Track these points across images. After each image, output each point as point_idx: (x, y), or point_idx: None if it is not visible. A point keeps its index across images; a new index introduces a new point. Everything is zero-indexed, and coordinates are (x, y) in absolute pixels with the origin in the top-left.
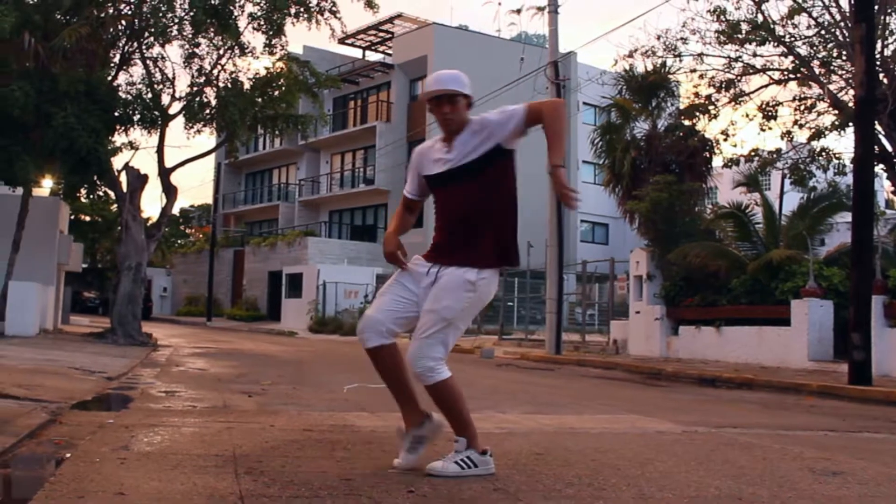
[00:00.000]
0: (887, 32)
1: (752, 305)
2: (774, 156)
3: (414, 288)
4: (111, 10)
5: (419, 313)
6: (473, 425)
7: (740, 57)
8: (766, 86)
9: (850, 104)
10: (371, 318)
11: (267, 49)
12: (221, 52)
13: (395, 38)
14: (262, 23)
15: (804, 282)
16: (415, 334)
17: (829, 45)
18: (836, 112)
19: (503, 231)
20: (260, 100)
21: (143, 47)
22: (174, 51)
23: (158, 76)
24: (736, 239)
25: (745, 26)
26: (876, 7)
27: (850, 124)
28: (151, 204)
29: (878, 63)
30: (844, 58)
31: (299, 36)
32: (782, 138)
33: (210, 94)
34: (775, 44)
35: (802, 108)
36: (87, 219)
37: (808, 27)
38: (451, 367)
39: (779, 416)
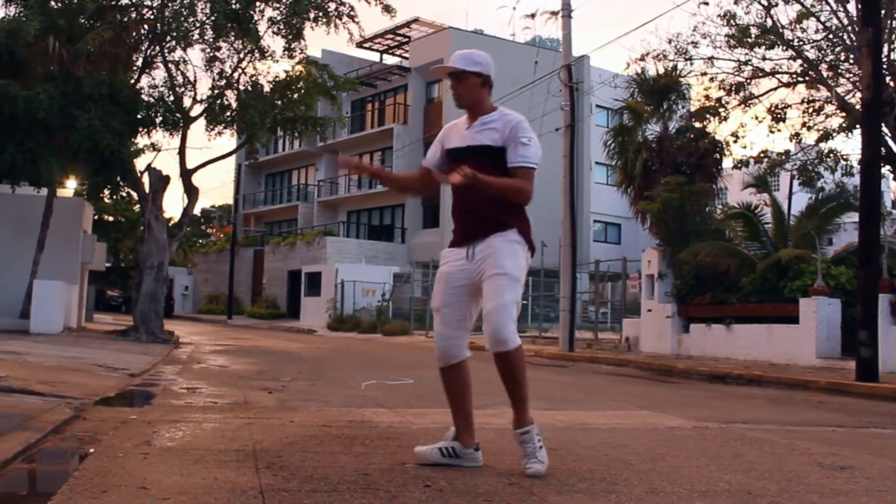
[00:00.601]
0: (894, 36)
1: (762, 304)
2: (783, 157)
3: (462, 280)
4: (134, 15)
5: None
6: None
7: (750, 60)
8: (775, 89)
9: (858, 107)
10: (447, 336)
11: (286, 53)
12: (242, 55)
13: (412, 41)
14: (281, 27)
15: (812, 280)
16: (487, 302)
17: (837, 49)
18: (844, 114)
19: (512, 213)
20: (279, 102)
21: (166, 51)
22: (195, 54)
23: (180, 79)
24: (746, 239)
25: (754, 30)
26: (883, 11)
27: (858, 126)
28: (173, 204)
29: (884, 66)
30: (852, 61)
31: (318, 40)
32: (791, 140)
33: (231, 96)
34: (784, 47)
35: (811, 110)
36: (111, 219)
37: (816, 31)
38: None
39: (788, 412)
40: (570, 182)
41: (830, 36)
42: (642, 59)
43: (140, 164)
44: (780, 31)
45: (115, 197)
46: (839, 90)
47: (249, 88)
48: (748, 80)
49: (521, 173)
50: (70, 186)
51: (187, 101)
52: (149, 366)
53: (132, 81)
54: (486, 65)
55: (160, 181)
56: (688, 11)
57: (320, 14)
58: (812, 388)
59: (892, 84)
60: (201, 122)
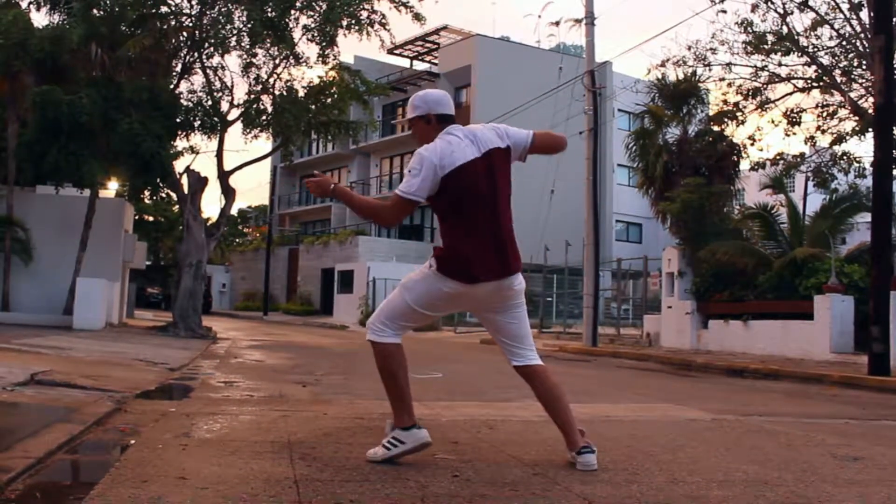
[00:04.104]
0: None
1: (778, 300)
2: (798, 159)
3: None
4: (173, 23)
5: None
6: (405, 402)
7: (766, 66)
8: (791, 93)
9: (870, 111)
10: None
11: (320, 59)
12: (277, 61)
13: (441, 48)
14: (315, 34)
15: (826, 278)
16: None
17: (850, 55)
18: (857, 118)
19: (442, 238)
20: (313, 107)
21: (204, 57)
22: (233, 60)
23: (218, 84)
24: (762, 238)
25: (770, 37)
26: (895, 19)
27: (870, 130)
28: (211, 205)
29: None
30: (864, 67)
31: (350, 46)
32: (806, 143)
33: (266, 101)
34: (799, 54)
35: (825, 114)
36: (151, 219)
37: (830, 38)
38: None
39: (802, 404)
40: (593, 183)
41: (844, 43)
42: (663, 65)
43: (179, 166)
44: (796, 38)
45: (155, 198)
46: (852, 95)
47: (285, 93)
48: (765, 86)
49: (391, 198)
50: (112, 188)
51: (225, 106)
52: (187, 360)
53: (171, 86)
54: (423, 105)
55: (198, 183)
56: (707, 19)
57: (353, 22)
58: (826, 381)
59: None
60: (238, 125)
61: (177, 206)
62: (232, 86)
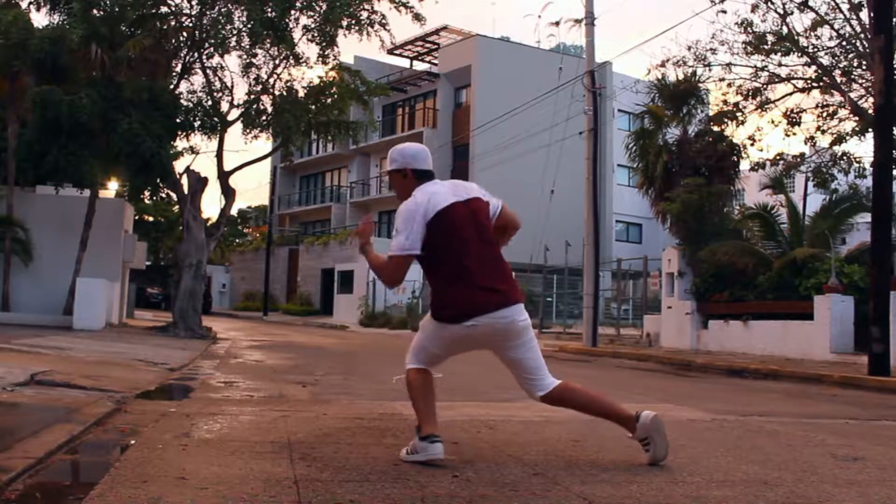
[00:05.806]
0: None
1: (778, 301)
2: (798, 160)
3: None
4: (173, 23)
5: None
6: (427, 417)
7: (766, 66)
8: (791, 94)
9: (870, 111)
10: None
11: (320, 59)
12: (277, 61)
13: (441, 48)
14: (315, 34)
15: (826, 278)
16: None
17: (850, 56)
18: (857, 118)
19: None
20: (313, 107)
21: (204, 57)
22: (233, 60)
23: (218, 84)
24: (762, 238)
25: (770, 38)
26: (895, 19)
27: (870, 130)
28: (211, 205)
29: None
30: (864, 67)
31: (350, 46)
32: (806, 143)
33: (266, 101)
34: (799, 54)
35: (825, 114)
36: (151, 219)
37: (830, 38)
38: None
39: (803, 404)
40: (593, 184)
41: (844, 43)
42: (663, 65)
43: (179, 166)
44: (796, 38)
45: (155, 198)
46: (852, 95)
47: (285, 93)
48: (764, 86)
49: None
50: (111, 188)
51: (225, 106)
52: (187, 360)
53: (171, 87)
54: (399, 159)
55: (198, 183)
56: (707, 20)
57: (353, 22)
58: (826, 382)
59: None
60: (238, 125)
61: (177, 207)
62: (232, 86)
